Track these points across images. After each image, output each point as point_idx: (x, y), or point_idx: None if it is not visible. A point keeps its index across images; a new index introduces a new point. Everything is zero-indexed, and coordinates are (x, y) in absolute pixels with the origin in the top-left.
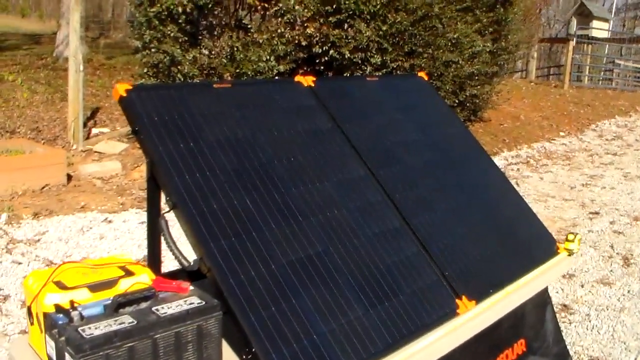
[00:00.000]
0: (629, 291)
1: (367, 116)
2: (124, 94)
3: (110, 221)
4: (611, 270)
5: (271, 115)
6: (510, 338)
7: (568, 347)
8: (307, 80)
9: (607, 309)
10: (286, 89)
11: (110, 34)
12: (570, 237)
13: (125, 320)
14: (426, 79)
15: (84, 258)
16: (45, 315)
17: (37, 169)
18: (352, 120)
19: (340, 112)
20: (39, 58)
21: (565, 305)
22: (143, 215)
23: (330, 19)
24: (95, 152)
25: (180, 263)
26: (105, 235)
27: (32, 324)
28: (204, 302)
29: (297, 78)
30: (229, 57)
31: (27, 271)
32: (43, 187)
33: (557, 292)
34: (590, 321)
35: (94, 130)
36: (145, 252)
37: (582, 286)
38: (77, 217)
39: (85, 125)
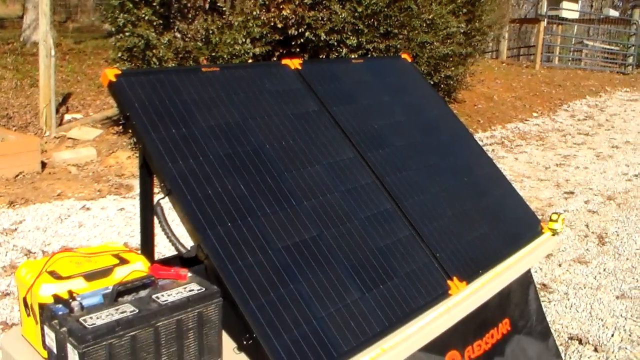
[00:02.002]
0: (604, 269)
1: (355, 98)
2: (114, 79)
3: (88, 208)
4: (587, 249)
5: (260, 99)
6: (495, 318)
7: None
8: (294, 63)
9: (585, 287)
10: (274, 72)
11: (78, 18)
12: (554, 217)
13: (127, 309)
14: (410, 60)
15: (64, 247)
16: (43, 306)
17: (10, 156)
18: (340, 103)
19: (328, 94)
20: (4, 43)
21: (544, 285)
22: (121, 202)
23: (306, 0)
24: (69, 138)
25: (178, 250)
26: (84, 223)
27: (28, 315)
28: (203, 289)
29: (284, 61)
30: (204, 40)
31: (4, 261)
32: (17, 175)
33: (536, 272)
34: (568, 299)
35: (67, 117)
36: (125, 239)
37: (560, 265)
38: (53, 205)
39: (57, 111)
